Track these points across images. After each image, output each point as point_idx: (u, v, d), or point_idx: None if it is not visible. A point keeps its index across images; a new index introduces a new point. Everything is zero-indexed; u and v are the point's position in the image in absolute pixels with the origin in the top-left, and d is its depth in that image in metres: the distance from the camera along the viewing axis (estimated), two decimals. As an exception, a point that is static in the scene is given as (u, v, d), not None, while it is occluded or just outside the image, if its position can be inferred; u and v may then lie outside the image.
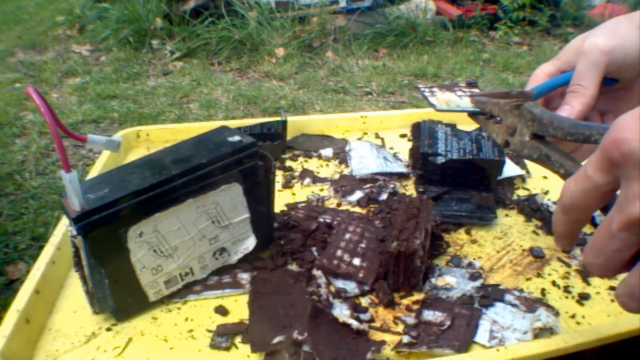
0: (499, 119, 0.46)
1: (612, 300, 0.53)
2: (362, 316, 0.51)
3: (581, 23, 3.17)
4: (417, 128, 0.76)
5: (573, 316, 0.52)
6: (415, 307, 0.52)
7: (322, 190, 0.73)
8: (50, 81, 2.25)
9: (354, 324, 0.48)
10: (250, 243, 0.57)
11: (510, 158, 0.81)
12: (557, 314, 0.51)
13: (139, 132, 0.86)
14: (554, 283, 0.56)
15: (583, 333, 0.47)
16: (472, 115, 0.48)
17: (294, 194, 0.73)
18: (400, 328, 0.50)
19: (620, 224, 0.29)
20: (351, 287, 0.54)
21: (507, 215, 0.68)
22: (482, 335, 0.48)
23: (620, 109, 0.51)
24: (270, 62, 2.45)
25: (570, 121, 0.40)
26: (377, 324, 0.50)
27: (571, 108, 0.46)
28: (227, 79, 2.29)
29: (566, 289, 0.55)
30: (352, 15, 2.76)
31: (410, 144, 0.80)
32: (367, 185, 0.73)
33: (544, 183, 0.75)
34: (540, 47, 2.84)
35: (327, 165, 0.81)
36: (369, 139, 0.89)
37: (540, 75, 0.50)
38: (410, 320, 0.50)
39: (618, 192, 0.30)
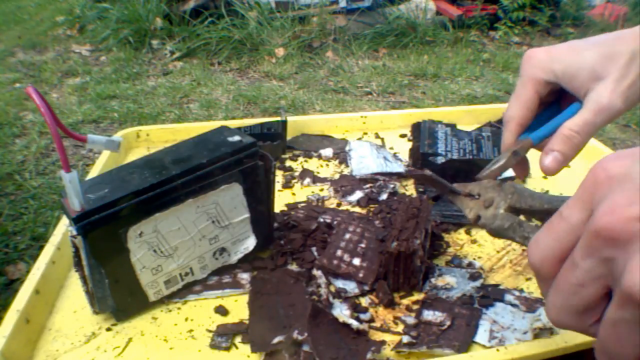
0: (477, 196, 0.46)
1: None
2: (362, 316, 0.51)
3: (581, 23, 3.17)
4: (417, 128, 0.76)
5: (573, 316, 0.51)
6: (415, 307, 0.52)
7: (322, 190, 0.73)
8: (50, 81, 2.25)
9: (354, 324, 0.48)
10: (250, 243, 0.57)
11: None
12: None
13: (139, 132, 0.86)
14: (554, 283, 0.56)
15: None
16: (450, 193, 0.48)
17: (294, 194, 0.73)
18: (400, 328, 0.50)
19: (583, 247, 0.26)
20: (351, 287, 0.54)
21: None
22: (482, 335, 0.48)
23: None
24: (270, 62, 2.45)
25: (549, 195, 0.42)
26: (377, 324, 0.50)
27: (562, 157, 0.46)
28: (227, 79, 2.28)
29: (566, 289, 0.55)
30: (352, 15, 2.76)
31: (410, 144, 0.80)
32: (367, 185, 0.73)
33: (544, 183, 0.75)
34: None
35: (327, 165, 0.81)
36: (369, 139, 0.89)
37: (515, 121, 0.49)
38: (410, 320, 0.50)
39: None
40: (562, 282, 0.28)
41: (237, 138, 0.53)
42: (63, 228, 0.59)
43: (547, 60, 0.47)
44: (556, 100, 0.50)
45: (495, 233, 0.44)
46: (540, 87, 0.48)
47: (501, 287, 0.55)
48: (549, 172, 0.47)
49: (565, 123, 0.46)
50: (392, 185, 0.73)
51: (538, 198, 0.42)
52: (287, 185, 0.74)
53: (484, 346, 0.48)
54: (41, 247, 0.57)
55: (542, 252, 0.29)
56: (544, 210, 0.41)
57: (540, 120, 0.48)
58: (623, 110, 0.44)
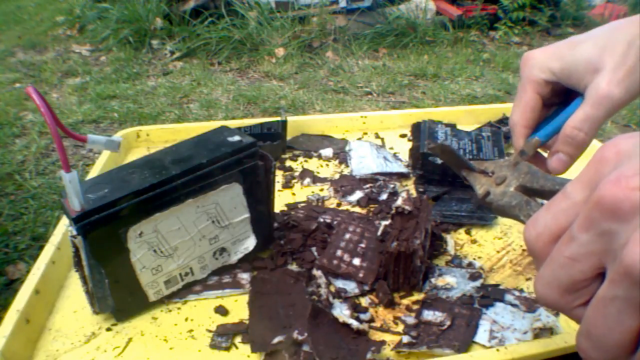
0: (491, 174, 0.46)
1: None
2: (362, 316, 0.51)
3: (581, 23, 3.17)
4: (417, 128, 0.76)
5: (573, 316, 0.51)
6: (415, 307, 0.52)
7: (322, 190, 0.73)
8: (50, 81, 2.25)
9: (354, 324, 0.48)
10: (250, 243, 0.57)
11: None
12: (557, 314, 0.51)
13: (139, 132, 0.86)
14: (554, 283, 0.56)
15: (583, 333, 0.47)
16: (465, 169, 0.48)
17: (294, 194, 0.73)
18: (400, 328, 0.50)
19: (583, 218, 0.24)
20: (351, 287, 0.54)
21: (507, 215, 0.68)
22: (482, 335, 0.48)
23: None
24: (270, 62, 2.45)
25: (562, 178, 0.41)
26: (377, 324, 0.50)
27: (568, 159, 0.46)
28: (227, 79, 2.28)
29: (566, 289, 0.55)
30: (352, 15, 2.76)
31: (410, 144, 0.80)
32: (367, 185, 0.73)
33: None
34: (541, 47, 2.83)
35: (327, 165, 0.81)
36: (369, 139, 0.89)
37: (520, 124, 0.49)
38: (410, 320, 0.50)
39: None
40: (556, 255, 0.26)
41: (237, 138, 0.53)
42: (63, 228, 0.59)
43: (544, 59, 0.47)
44: (565, 100, 0.49)
45: (501, 211, 0.42)
46: (540, 87, 0.47)
47: (501, 287, 0.55)
48: (555, 173, 0.46)
49: (567, 122, 0.45)
50: (392, 185, 0.73)
51: (551, 179, 0.41)
52: (287, 185, 0.74)
53: (484, 346, 0.48)
54: (41, 247, 0.57)
55: (539, 228, 0.28)
56: (554, 191, 0.40)
57: (550, 122, 0.48)
58: (625, 100, 0.43)
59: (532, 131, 0.48)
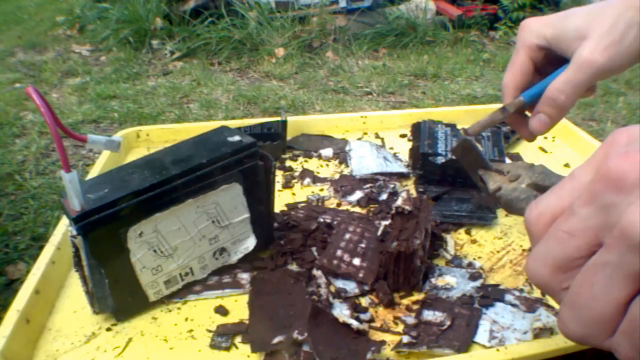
0: (506, 173, 0.46)
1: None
2: (362, 316, 0.51)
3: (581, 23, 3.17)
4: (417, 128, 0.76)
5: (573, 316, 0.51)
6: (415, 307, 0.52)
7: (322, 190, 0.73)
8: (50, 81, 2.25)
9: (354, 324, 0.48)
10: (250, 243, 0.57)
11: (510, 158, 0.81)
12: (557, 313, 0.51)
13: (139, 132, 0.86)
14: (554, 283, 0.56)
15: (583, 333, 0.47)
16: (483, 168, 0.48)
17: (294, 194, 0.73)
18: (400, 328, 0.50)
19: (585, 192, 0.24)
20: (351, 287, 0.54)
21: (507, 215, 0.68)
22: (482, 335, 0.48)
23: None
24: (270, 62, 2.45)
25: None
26: (377, 324, 0.50)
27: (549, 120, 0.48)
28: (227, 79, 2.29)
29: (566, 289, 0.55)
30: (352, 15, 2.76)
31: (410, 144, 0.80)
32: (367, 185, 0.73)
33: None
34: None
35: (327, 165, 0.81)
36: (369, 139, 0.89)
37: (510, 86, 0.51)
38: (410, 320, 0.50)
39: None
40: (553, 231, 0.26)
41: (237, 138, 0.53)
42: (63, 228, 0.59)
43: (538, 26, 0.49)
44: (556, 69, 0.50)
45: (509, 205, 0.42)
46: (533, 52, 0.49)
47: (501, 287, 0.55)
48: (536, 133, 0.49)
49: (550, 84, 0.47)
50: (392, 185, 0.73)
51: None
52: (287, 185, 0.74)
53: (484, 346, 0.48)
54: (41, 247, 0.57)
55: (540, 208, 0.27)
56: None
57: (536, 85, 0.50)
58: (607, 67, 0.45)
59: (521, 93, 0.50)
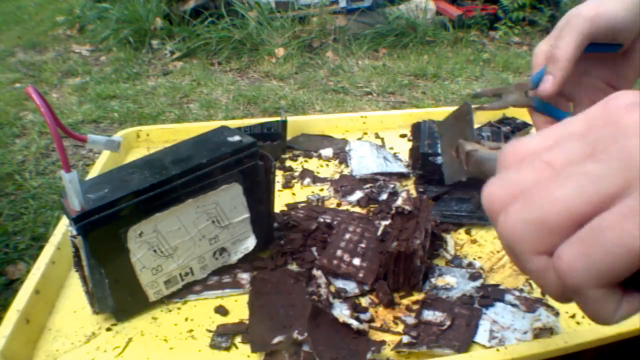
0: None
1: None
2: (362, 316, 0.51)
3: (581, 23, 3.17)
4: (417, 128, 0.76)
5: (573, 316, 0.51)
6: (415, 307, 0.52)
7: (322, 190, 0.73)
8: (50, 81, 2.25)
9: (354, 324, 0.48)
10: (250, 243, 0.57)
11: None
12: (557, 314, 0.51)
13: (139, 132, 0.86)
14: (554, 283, 0.56)
15: (583, 333, 0.47)
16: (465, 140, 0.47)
17: (294, 194, 0.73)
18: (400, 328, 0.50)
19: (584, 124, 0.23)
20: (351, 287, 0.54)
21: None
22: (482, 335, 0.48)
23: (621, 76, 0.53)
24: (270, 62, 2.45)
25: None
26: (377, 324, 0.50)
27: (552, 77, 0.49)
28: (227, 79, 2.29)
29: (566, 289, 0.55)
30: (352, 15, 2.76)
31: (410, 144, 0.80)
32: (367, 185, 0.73)
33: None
34: (540, 47, 2.83)
35: (327, 165, 0.81)
36: (369, 139, 0.89)
37: (540, 56, 0.52)
38: (410, 320, 0.50)
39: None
40: (529, 160, 0.23)
41: (237, 138, 0.53)
42: (63, 228, 0.59)
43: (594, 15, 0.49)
44: None
45: (479, 163, 0.35)
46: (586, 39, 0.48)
47: (501, 287, 0.55)
48: (543, 93, 0.49)
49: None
50: (392, 185, 0.73)
51: None
52: (287, 185, 0.74)
53: (484, 346, 0.48)
54: (41, 247, 0.57)
55: (517, 145, 0.25)
56: None
57: None
58: (601, 21, 0.47)
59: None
